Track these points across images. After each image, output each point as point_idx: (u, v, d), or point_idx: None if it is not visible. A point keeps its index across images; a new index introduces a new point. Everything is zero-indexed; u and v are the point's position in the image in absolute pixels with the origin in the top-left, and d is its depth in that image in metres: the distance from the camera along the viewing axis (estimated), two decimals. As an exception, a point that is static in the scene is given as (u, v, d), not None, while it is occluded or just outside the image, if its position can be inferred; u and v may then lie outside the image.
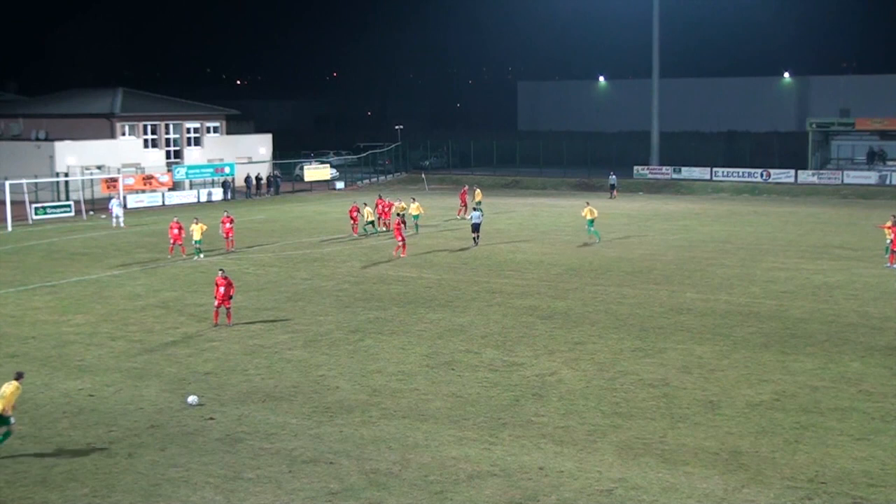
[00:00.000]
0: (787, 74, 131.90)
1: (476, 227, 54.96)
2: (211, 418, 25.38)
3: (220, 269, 36.66)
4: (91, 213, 72.46)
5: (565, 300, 39.83)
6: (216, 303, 35.58)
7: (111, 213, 66.19)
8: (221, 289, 35.15)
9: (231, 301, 35.66)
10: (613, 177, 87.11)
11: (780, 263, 48.57)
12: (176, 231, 50.95)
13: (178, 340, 33.58)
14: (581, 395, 27.12)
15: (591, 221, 55.94)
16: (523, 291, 41.81)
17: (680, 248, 53.78)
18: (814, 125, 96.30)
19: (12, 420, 23.24)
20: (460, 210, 69.20)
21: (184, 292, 42.01)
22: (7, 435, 23.19)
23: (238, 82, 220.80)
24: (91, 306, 39.43)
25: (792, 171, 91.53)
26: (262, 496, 20.42)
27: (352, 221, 60.05)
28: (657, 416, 25.39)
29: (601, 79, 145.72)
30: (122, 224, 64.84)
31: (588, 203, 58.35)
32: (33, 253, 54.05)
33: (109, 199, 69.52)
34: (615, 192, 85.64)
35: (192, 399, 26.59)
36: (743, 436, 23.82)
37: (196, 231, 50.34)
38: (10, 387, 23.30)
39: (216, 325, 35.61)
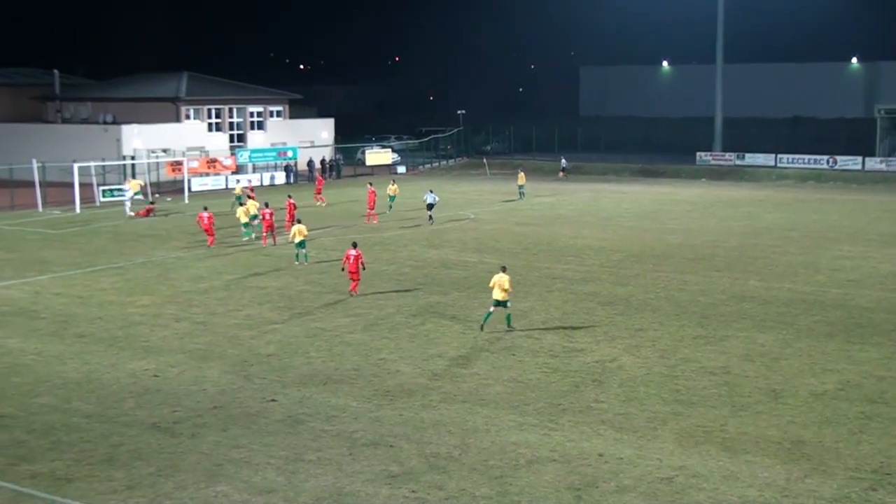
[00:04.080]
0: (855, 60, 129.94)
1: (430, 207, 58.64)
2: (273, 400, 25.64)
3: (353, 243, 38.24)
4: (157, 195, 73.33)
5: (626, 286, 39.66)
6: (349, 275, 37.48)
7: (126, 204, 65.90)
8: (351, 260, 37.24)
9: (360, 274, 37.69)
10: (564, 160, 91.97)
11: (846, 252, 47.95)
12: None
13: (241, 322, 33.93)
14: (642, 382, 27.03)
15: (393, 197, 62.92)
16: (584, 277, 41.69)
17: (743, 236, 53.28)
18: (882, 111, 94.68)
19: (509, 303, 32.33)
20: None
21: (246, 275, 42.41)
22: (507, 318, 32.58)
23: (301, 67, 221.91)
24: (156, 288, 39.96)
25: (859, 158, 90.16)
26: (323, 478, 20.61)
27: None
28: (718, 404, 25.23)
29: (665, 63, 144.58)
30: (128, 213, 64.32)
31: (394, 181, 66.71)
32: (100, 235, 54.86)
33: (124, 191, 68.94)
34: (562, 174, 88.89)
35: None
36: (806, 425, 23.60)
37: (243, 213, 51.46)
38: (503, 278, 31.96)
39: (353, 294, 37.51)
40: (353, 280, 37.72)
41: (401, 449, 22.17)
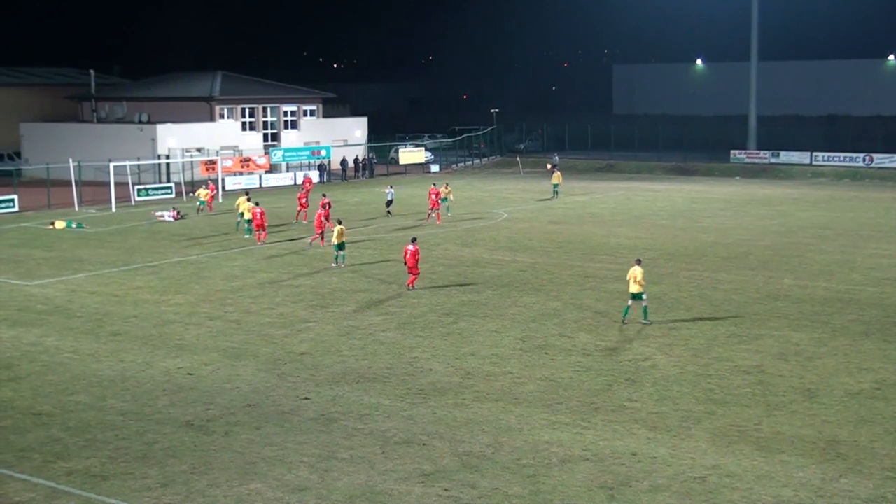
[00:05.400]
0: (891, 57, 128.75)
1: (389, 203, 61.62)
2: (306, 398, 25.73)
3: (413, 238, 39.14)
4: (191, 194, 73.77)
5: (659, 285, 39.48)
6: (407, 269, 38.63)
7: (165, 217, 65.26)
8: (408, 255, 38.23)
9: (418, 268, 38.63)
10: (556, 157, 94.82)
11: (883, 250, 47.56)
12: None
13: (274, 321, 34.07)
14: (675, 381, 26.92)
15: (445, 198, 60.29)
16: (617, 276, 41.48)
17: (777, 234, 52.96)
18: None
19: (644, 296, 32.86)
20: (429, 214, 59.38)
21: (280, 273, 42.58)
22: (644, 311, 33.03)
23: (335, 66, 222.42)
24: (190, 286, 40.18)
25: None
26: (356, 476, 20.65)
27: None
28: (752, 403, 25.10)
29: (698, 61, 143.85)
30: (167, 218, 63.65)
31: (447, 184, 63.67)
32: (135, 233, 55.24)
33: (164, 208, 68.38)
34: (549, 167, 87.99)
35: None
36: (841, 425, 23.43)
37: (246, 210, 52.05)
38: (637, 270, 32.64)
39: (411, 288, 38.55)
40: (412, 274, 38.64)
41: (434, 447, 22.20)
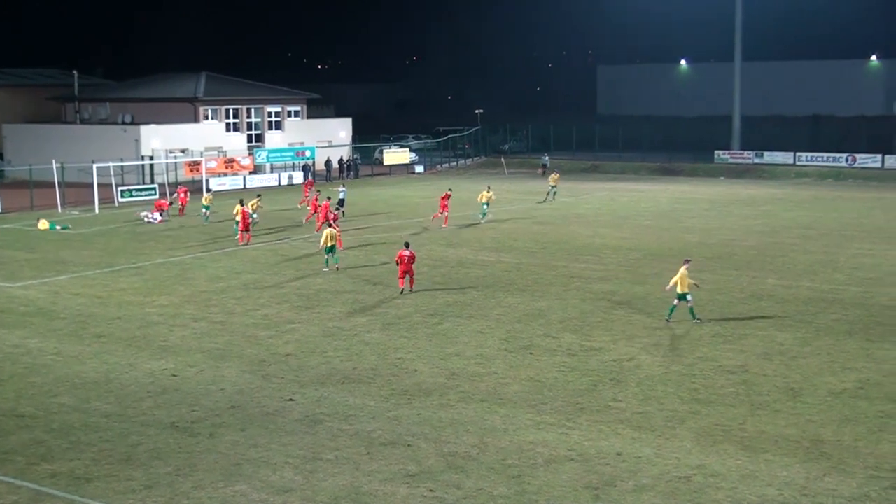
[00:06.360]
0: (874, 57, 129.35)
1: (341, 203, 61.36)
2: (291, 399, 25.67)
3: (406, 243, 38.93)
4: (175, 195, 73.55)
5: (644, 285, 39.56)
6: (399, 272, 38.21)
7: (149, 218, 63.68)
8: (405, 260, 37.96)
9: (413, 269, 38.42)
10: (546, 157, 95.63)
11: (866, 250, 47.75)
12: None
13: (259, 322, 33.99)
14: (659, 381, 26.96)
15: (487, 203, 58.85)
16: (602, 276, 41.62)
17: (761, 234, 53.11)
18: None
19: (689, 297, 32.71)
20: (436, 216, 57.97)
21: (264, 274, 42.49)
22: (691, 311, 32.89)
23: (319, 67, 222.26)
24: (174, 288, 40.06)
25: (878, 156, 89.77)
26: (341, 477, 20.62)
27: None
28: (737, 402, 25.15)
29: (682, 62, 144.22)
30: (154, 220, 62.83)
31: (489, 187, 62.33)
32: (119, 235, 55.04)
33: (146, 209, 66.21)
34: (541, 171, 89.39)
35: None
36: (825, 424, 23.50)
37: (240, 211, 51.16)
38: (683, 272, 32.57)
39: (402, 291, 38.08)
40: (402, 277, 38.25)
41: (418, 448, 22.17)
